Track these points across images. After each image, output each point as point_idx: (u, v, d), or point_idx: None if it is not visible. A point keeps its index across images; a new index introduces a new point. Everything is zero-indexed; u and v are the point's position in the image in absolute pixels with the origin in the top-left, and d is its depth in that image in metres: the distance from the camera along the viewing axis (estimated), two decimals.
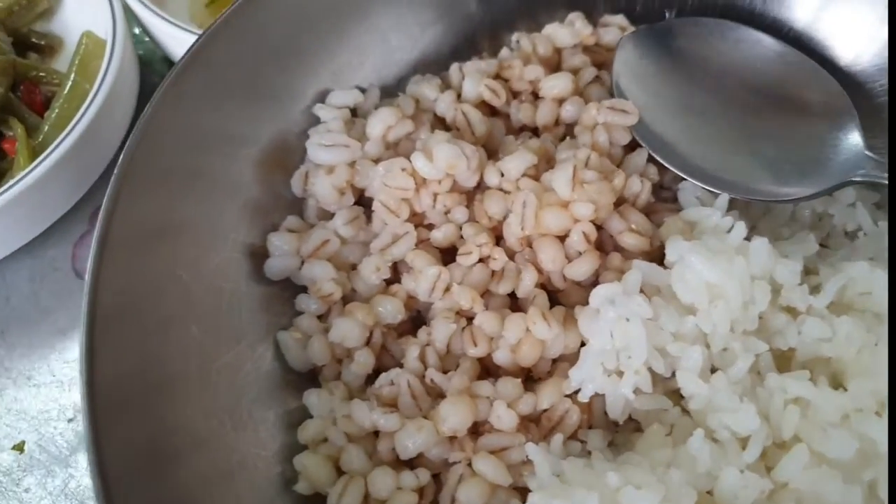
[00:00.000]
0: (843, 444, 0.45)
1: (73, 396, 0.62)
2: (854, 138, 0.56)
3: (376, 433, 0.50)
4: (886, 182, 0.54)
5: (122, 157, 0.49)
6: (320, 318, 0.55)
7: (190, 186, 0.53)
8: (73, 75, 0.71)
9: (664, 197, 0.59)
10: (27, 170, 0.61)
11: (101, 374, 0.43)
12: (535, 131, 0.61)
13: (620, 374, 0.49)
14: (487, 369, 0.54)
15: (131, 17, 0.74)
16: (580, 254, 0.54)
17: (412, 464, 0.50)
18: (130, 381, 0.45)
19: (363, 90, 0.61)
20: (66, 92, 0.71)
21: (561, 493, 0.43)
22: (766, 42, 0.60)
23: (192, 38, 0.57)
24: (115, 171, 0.48)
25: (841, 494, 0.44)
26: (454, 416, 0.48)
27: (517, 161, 0.55)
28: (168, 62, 0.79)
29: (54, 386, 0.63)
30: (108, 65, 0.66)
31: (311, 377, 0.54)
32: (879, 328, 0.49)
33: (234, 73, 0.56)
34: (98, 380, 0.43)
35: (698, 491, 0.44)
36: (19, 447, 0.61)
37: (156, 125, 0.51)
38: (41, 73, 0.75)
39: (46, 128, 0.71)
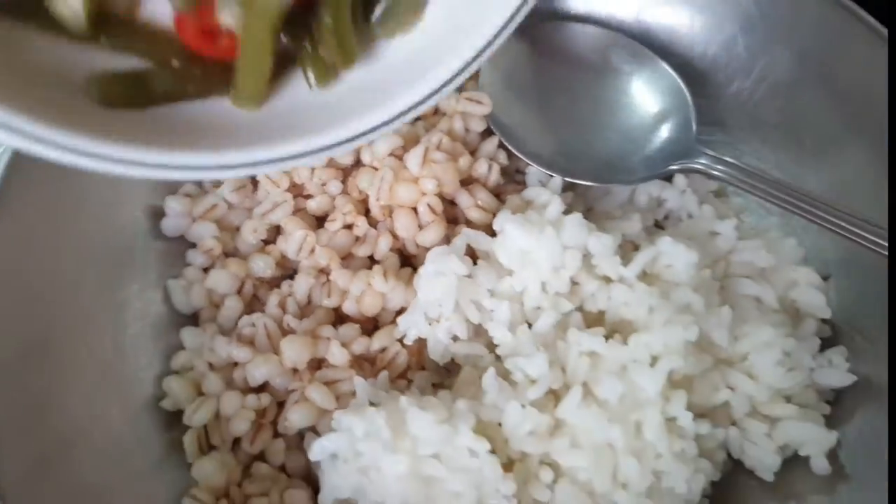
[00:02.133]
0: (612, 388, 0.51)
1: None
2: (687, 130, 0.63)
3: (235, 365, 0.59)
4: (706, 170, 0.61)
5: None
6: (205, 270, 0.64)
7: None
8: None
9: (517, 181, 0.66)
10: None
11: None
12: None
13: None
14: (342, 319, 0.62)
15: None
16: (430, 224, 0.62)
17: (260, 391, 0.58)
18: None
19: None
20: None
21: (360, 412, 0.51)
22: (620, 40, 0.66)
23: None
24: None
25: (605, 431, 0.51)
26: (292, 350, 0.56)
27: (385, 142, 0.64)
28: None
29: None
30: None
31: (195, 321, 0.63)
32: (673, 293, 0.55)
33: None
34: None
35: (486, 421, 0.52)
36: None
37: None
38: None
39: None
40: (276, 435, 0.57)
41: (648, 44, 0.66)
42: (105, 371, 0.57)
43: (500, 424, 0.52)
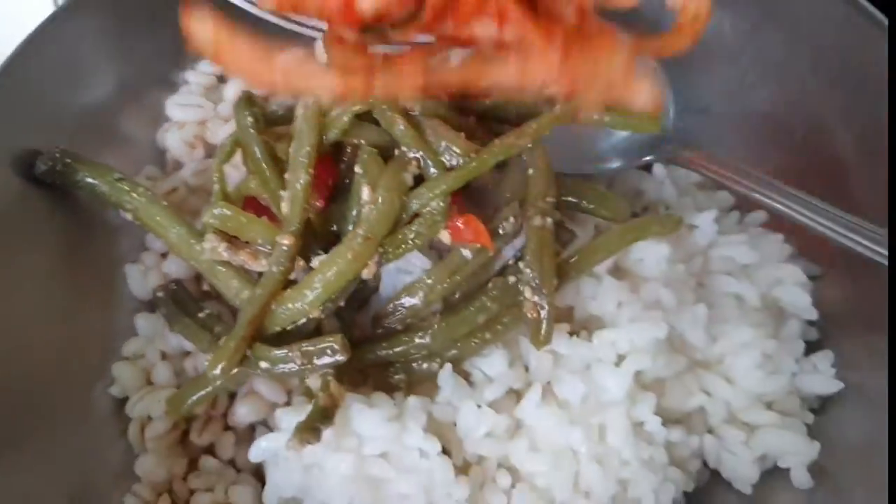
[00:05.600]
0: (573, 388, 0.48)
1: None
2: (663, 117, 0.59)
3: (188, 354, 0.56)
4: (683, 162, 0.57)
5: None
6: (164, 255, 0.61)
7: (63, 125, 0.58)
8: None
9: None
10: None
11: None
12: None
13: None
14: None
15: None
16: None
17: None
18: None
19: None
20: None
21: (300, 409, 0.48)
22: None
23: None
24: None
25: (566, 434, 0.47)
26: None
27: None
28: None
29: None
30: None
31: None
32: (642, 288, 0.52)
33: (117, 22, 0.60)
34: None
35: (440, 420, 0.48)
36: None
37: (30, 59, 0.54)
38: None
39: None
40: (227, 427, 0.54)
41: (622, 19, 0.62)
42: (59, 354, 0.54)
43: (455, 425, 0.49)
